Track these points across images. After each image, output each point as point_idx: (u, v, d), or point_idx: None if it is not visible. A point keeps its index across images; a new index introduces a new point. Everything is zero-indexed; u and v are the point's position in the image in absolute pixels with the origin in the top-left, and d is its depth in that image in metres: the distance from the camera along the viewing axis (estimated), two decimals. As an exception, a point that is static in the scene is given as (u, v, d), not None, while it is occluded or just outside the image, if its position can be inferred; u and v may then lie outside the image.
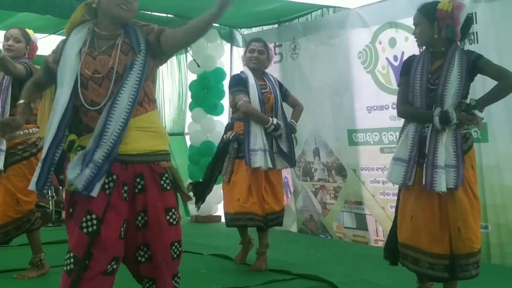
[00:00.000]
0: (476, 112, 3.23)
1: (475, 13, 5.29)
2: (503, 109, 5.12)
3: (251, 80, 4.79)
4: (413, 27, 3.57)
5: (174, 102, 8.72)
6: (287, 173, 7.27)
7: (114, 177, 2.62)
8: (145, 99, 2.72)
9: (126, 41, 2.69)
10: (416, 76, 3.40)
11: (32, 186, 2.69)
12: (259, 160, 4.60)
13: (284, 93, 5.07)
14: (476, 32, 5.29)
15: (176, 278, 2.79)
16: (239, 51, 7.85)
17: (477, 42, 5.30)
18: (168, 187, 2.72)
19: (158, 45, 2.67)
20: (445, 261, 3.25)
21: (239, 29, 7.86)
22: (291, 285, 4.17)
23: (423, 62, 3.41)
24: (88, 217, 2.58)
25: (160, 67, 8.73)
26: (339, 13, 6.64)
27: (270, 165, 4.64)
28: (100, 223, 2.59)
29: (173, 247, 2.73)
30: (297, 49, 7.08)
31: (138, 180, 2.69)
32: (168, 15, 7.27)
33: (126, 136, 2.60)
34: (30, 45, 4.70)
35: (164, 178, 2.71)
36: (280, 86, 5.07)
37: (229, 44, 8.06)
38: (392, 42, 5.99)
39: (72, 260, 2.57)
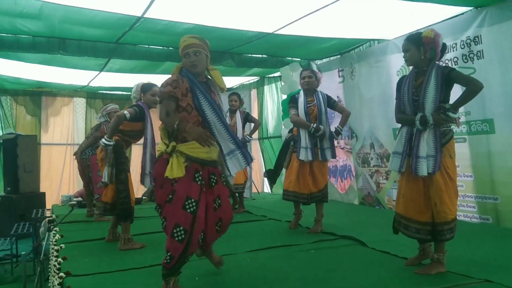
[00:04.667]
0: (450, 113, 3.01)
1: (480, 35, 4.88)
2: (505, 108, 4.70)
3: (301, 98, 4.74)
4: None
5: (274, 115, 8.79)
6: (350, 162, 7.13)
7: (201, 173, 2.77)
8: None
9: None
10: (405, 91, 3.24)
11: None
12: (303, 154, 4.58)
13: (332, 104, 4.74)
14: (482, 50, 4.87)
15: None
16: (315, 76, 7.76)
17: (483, 58, 4.87)
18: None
19: None
20: (428, 227, 3.08)
21: (314, 60, 7.75)
22: (332, 244, 4.04)
23: (409, 80, 3.24)
24: (189, 200, 2.66)
25: (265, 91, 8.85)
26: (382, 44, 6.36)
27: (310, 158, 4.55)
28: (197, 204, 2.68)
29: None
30: (354, 72, 6.87)
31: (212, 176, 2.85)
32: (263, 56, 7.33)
33: None
34: None
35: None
36: (328, 99, 4.73)
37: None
38: (420, 62, 5.64)
39: (182, 232, 2.62)
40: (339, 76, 7.21)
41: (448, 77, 3.06)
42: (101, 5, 4.70)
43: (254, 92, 9.25)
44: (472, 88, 3.00)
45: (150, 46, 6.40)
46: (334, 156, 4.64)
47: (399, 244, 3.74)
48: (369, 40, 6.54)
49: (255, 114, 9.19)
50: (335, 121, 7.39)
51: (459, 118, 3.21)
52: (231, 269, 3.25)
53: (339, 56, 7.23)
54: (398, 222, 3.24)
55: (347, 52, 7.02)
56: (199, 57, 2.88)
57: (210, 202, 2.82)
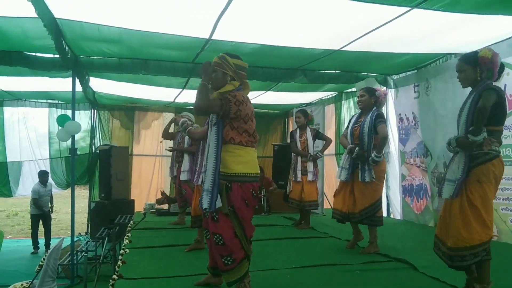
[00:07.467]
0: (470, 136, 2.83)
1: None
2: None
3: (353, 119, 4.74)
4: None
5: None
6: (425, 181, 6.79)
7: None
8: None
9: None
10: (458, 113, 3.14)
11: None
12: (339, 173, 4.62)
13: (375, 126, 4.40)
14: None
15: (224, 259, 2.86)
16: (391, 92, 7.54)
17: None
18: None
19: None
20: (447, 250, 2.95)
21: (390, 75, 7.52)
22: (382, 266, 3.92)
23: (463, 102, 3.12)
24: None
25: (342, 106, 8.70)
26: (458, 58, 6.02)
27: (343, 178, 4.53)
28: None
29: (214, 237, 2.87)
30: (429, 87, 6.59)
31: None
32: (336, 71, 7.30)
33: None
34: None
35: None
36: (375, 120, 4.41)
37: (384, 88, 7.69)
38: (497, 77, 5.27)
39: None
40: (415, 92, 6.95)
41: (480, 97, 2.88)
42: (172, 30, 5.08)
43: (330, 108, 9.20)
44: (479, 105, 2.80)
45: (223, 65, 6.70)
46: (369, 178, 4.35)
47: (454, 271, 3.52)
48: (446, 54, 6.25)
49: (331, 129, 9.13)
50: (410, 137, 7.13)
51: (481, 141, 2.91)
52: (267, 283, 3.32)
53: (415, 71, 6.97)
54: (434, 243, 3.14)
55: (424, 66, 6.76)
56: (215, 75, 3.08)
57: None
